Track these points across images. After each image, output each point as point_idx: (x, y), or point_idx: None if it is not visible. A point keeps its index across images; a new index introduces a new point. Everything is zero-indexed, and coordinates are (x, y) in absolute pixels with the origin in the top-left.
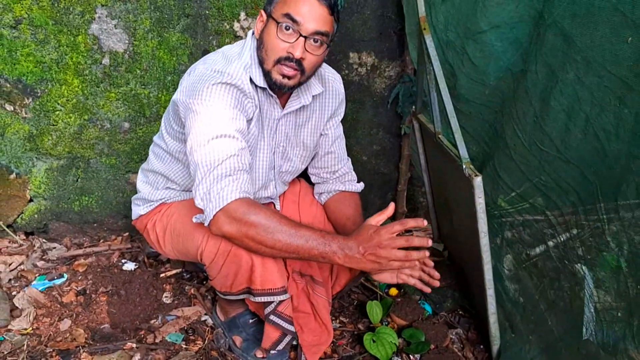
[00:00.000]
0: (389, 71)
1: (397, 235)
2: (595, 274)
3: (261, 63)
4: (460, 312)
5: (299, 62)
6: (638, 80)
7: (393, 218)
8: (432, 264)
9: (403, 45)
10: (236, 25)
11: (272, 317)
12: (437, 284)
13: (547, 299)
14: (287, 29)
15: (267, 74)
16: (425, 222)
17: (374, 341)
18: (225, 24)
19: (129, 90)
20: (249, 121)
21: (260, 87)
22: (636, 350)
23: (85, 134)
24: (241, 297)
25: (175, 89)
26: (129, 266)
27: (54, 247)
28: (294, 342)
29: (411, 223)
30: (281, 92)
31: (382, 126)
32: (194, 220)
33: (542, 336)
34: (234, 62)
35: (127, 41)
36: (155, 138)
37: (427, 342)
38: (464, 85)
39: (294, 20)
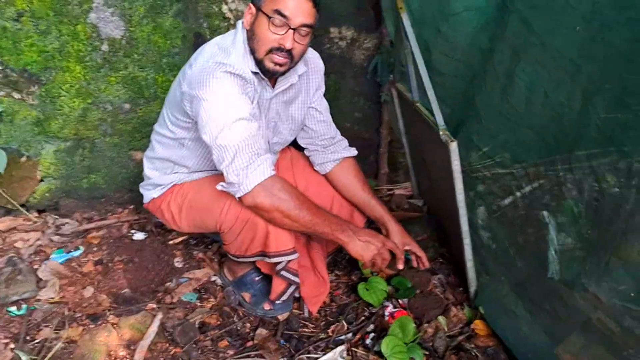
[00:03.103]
0: (367, 43)
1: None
2: (557, 219)
3: (253, 52)
4: (440, 260)
5: (289, 51)
6: (585, 61)
7: (376, 176)
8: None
9: (380, 18)
10: (224, 8)
11: (283, 272)
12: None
13: (515, 244)
14: (277, 23)
15: (259, 62)
16: (428, 265)
17: (367, 289)
18: (214, 7)
19: (128, 74)
20: (252, 104)
21: (253, 72)
22: (592, 284)
23: (89, 116)
24: (254, 259)
25: (170, 71)
26: (139, 236)
27: (66, 223)
28: (296, 295)
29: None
30: (272, 76)
31: (363, 94)
32: (219, 188)
33: (511, 276)
34: (232, 53)
35: (123, 28)
36: (156, 127)
37: (413, 287)
38: (437, 60)
39: (283, 15)
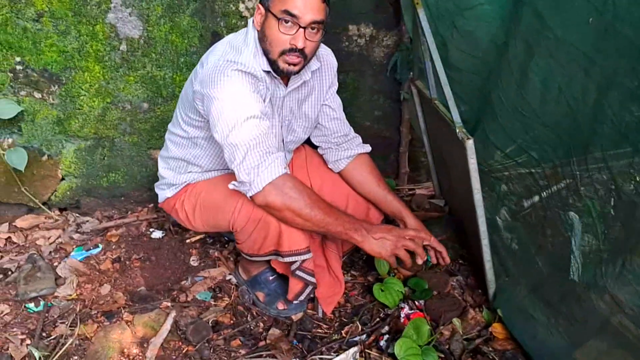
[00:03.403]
0: (386, 40)
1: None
2: (578, 220)
3: (266, 53)
4: (460, 262)
5: (301, 50)
6: (599, 55)
7: (397, 176)
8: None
9: (399, 15)
10: (241, 7)
11: (298, 272)
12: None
13: (536, 245)
14: (287, 23)
15: (273, 63)
16: (448, 261)
17: (382, 290)
18: (231, 5)
19: (146, 73)
20: (264, 102)
21: (265, 71)
22: (612, 286)
23: (108, 115)
24: (267, 258)
25: (188, 70)
26: (157, 234)
27: (87, 221)
28: (311, 295)
29: (438, 248)
30: (285, 74)
31: (383, 92)
32: (230, 187)
33: (531, 278)
34: (243, 51)
35: (141, 27)
36: (170, 127)
37: (430, 289)
38: (454, 56)
39: (292, 15)
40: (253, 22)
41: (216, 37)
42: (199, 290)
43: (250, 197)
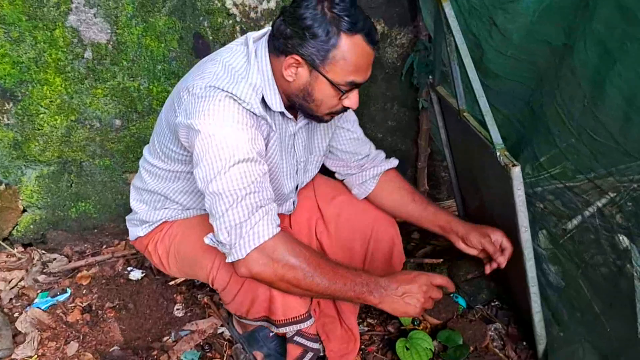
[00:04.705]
0: (400, 39)
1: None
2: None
3: (302, 106)
4: (497, 304)
5: None
6: None
7: None
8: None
9: (415, 8)
10: (228, 2)
11: (296, 338)
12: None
13: (589, 280)
14: (350, 92)
15: (310, 115)
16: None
17: (407, 348)
18: (216, 1)
19: (117, 85)
20: (266, 144)
21: (279, 112)
22: None
23: (74, 135)
24: (259, 324)
25: (166, 79)
26: (136, 274)
27: (54, 259)
28: (321, 354)
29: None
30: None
31: (397, 100)
32: (206, 241)
33: (594, 333)
34: (241, 82)
35: (109, 31)
36: (147, 154)
37: (466, 344)
38: (492, 59)
39: (358, 84)
40: (262, 45)
41: (199, 39)
42: (185, 349)
43: (234, 265)
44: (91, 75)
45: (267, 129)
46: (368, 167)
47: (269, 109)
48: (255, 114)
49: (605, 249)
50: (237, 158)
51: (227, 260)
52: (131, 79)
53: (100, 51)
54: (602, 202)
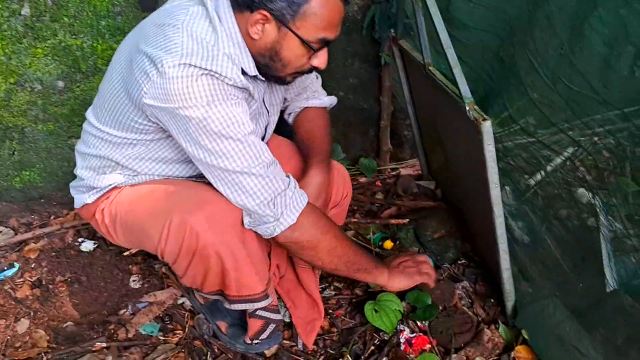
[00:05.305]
0: None
1: None
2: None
3: (267, 66)
4: (464, 262)
5: None
6: None
7: (377, 154)
8: None
9: None
10: None
11: (257, 312)
12: None
13: (555, 235)
14: (320, 50)
15: (275, 76)
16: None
17: (376, 311)
18: None
19: (58, 43)
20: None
21: (252, 76)
22: None
23: (14, 99)
24: (215, 297)
25: (112, 36)
26: (87, 245)
27: (0, 232)
28: (287, 320)
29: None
30: None
31: (358, 56)
32: (247, 226)
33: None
34: (217, 56)
35: None
36: (92, 119)
37: (435, 304)
38: (459, 8)
39: (329, 41)
40: (229, 8)
41: None
42: (143, 322)
43: (276, 236)
44: (30, 34)
45: (249, 98)
46: (303, 97)
47: (248, 75)
48: (238, 87)
49: (569, 203)
50: (245, 132)
51: (274, 233)
52: (73, 36)
53: (39, 7)
54: (565, 155)
